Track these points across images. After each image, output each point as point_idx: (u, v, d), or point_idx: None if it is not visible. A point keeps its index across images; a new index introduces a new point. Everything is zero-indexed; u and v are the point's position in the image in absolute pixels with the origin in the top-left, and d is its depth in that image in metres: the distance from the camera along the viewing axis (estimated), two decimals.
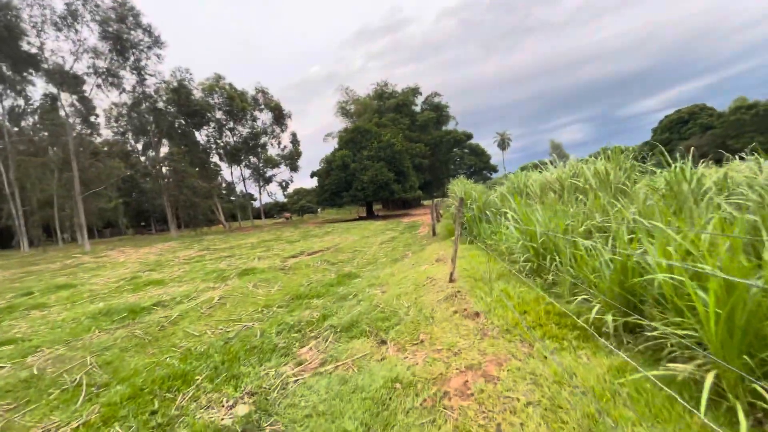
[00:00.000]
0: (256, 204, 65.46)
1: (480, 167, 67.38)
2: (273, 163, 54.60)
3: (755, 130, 43.18)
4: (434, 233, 14.62)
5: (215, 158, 50.41)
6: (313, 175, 45.87)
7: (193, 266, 12.08)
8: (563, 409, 2.15)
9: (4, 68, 29.21)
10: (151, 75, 35.75)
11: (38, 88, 50.70)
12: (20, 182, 32.05)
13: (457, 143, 60.38)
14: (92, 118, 37.06)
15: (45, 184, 33.31)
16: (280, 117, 51.56)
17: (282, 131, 52.83)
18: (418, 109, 59.58)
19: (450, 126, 62.53)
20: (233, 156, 50.20)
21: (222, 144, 49.14)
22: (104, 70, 31.42)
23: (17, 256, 26.72)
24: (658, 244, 2.74)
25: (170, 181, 40.42)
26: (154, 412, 3.34)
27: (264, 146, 52.56)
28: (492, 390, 2.44)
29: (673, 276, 2.40)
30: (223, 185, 53.79)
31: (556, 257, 4.33)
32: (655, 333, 2.45)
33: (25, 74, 30.74)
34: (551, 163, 9.40)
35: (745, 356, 2.01)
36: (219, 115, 46.92)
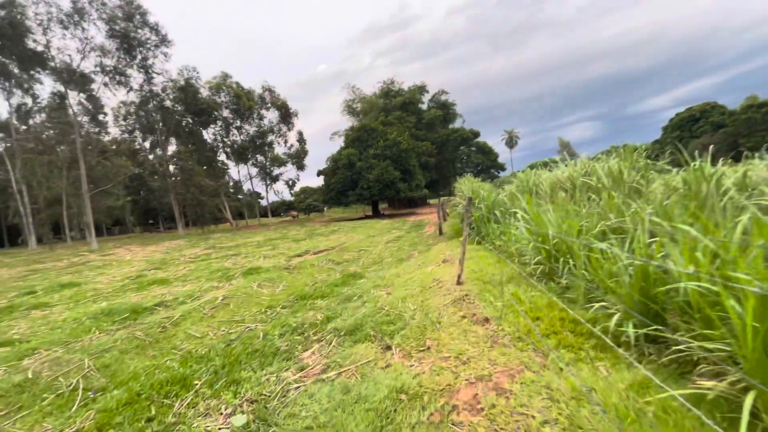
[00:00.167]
0: (263, 202, 65.61)
1: (487, 165, 66.95)
2: (280, 162, 54.59)
3: (766, 129, 42.45)
4: (441, 233, 14.44)
5: (222, 157, 50.55)
6: (319, 173, 45.78)
7: (199, 265, 12.00)
8: (583, 430, 1.98)
9: (11, 66, 29.38)
10: (158, 74, 35.87)
11: (46, 86, 51.29)
12: (27, 180, 32.26)
13: (464, 141, 59.95)
14: (100, 117, 37.35)
15: (52, 182, 33.48)
16: (286, 115, 51.50)
17: (289, 130, 52.79)
18: (424, 107, 59.27)
19: (457, 124, 62.15)
20: (240, 154, 50.23)
21: (229, 142, 49.19)
22: (111, 68, 31.51)
23: (25, 254, 26.90)
24: (684, 249, 2.55)
25: (177, 179, 40.56)
26: (150, 419, 3.21)
27: (271, 145, 52.55)
28: (504, 405, 2.27)
29: (702, 285, 2.21)
30: (231, 184, 53.93)
31: (570, 260, 4.14)
32: (681, 346, 2.27)
33: (32, 72, 30.92)
34: (562, 161, 9.19)
35: None
36: (226, 113, 46.94)
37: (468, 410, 2.32)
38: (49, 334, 5.73)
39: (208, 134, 47.16)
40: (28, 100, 34.52)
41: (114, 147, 39.94)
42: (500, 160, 69.49)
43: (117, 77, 32.31)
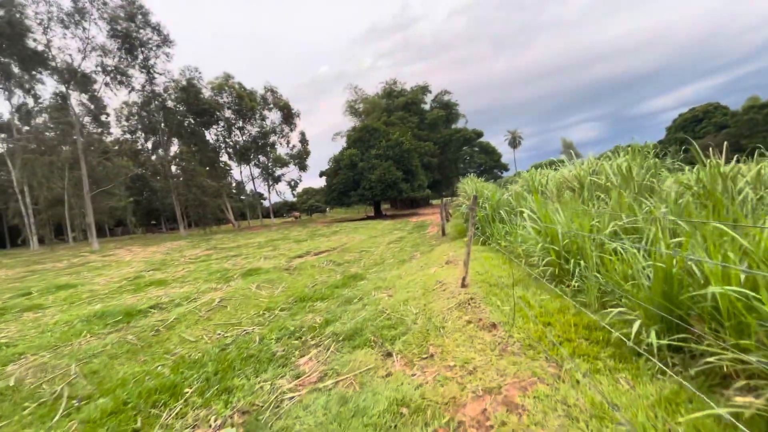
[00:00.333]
0: (266, 203, 65.51)
1: (490, 166, 66.67)
2: (282, 163, 54.48)
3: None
4: (443, 233, 14.21)
5: (224, 157, 50.47)
6: (321, 174, 45.62)
7: (198, 266, 11.82)
8: None
9: (11, 66, 29.30)
10: (160, 74, 35.80)
11: (48, 86, 51.34)
12: (27, 181, 32.17)
13: (466, 141, 59.71)
14: (102, 117, 37.29)
15: (52, 183, 33.38)
16: (288, 116, 51.39)
17: (291, 130, 52.66)
18: (427, 107, 59.03)
19: (460, 124, 61.90)
20: (242, 155, 50.14)
21: (231, 143, 49.11)
22: (113, 68, 31.43)
23: (25, 255, 26.81)
24: (711, 246, 2.34)
25: (179, 180, 40.45)
26: (136, 431, 3.02)
27: (273, 145, 52.45)
28: (516, 423, 2.05)
29: (737, 289, 2.00)
30: (233, 184, 53.83)
31: (581, 261, 3.92)
32: (712, 358, 2.05)
33: (33, 72, 30.83)
34: (569, 160, 8.97)
35: None
36: (228, 114, 46.87)
37: (476, 428, 2.10)
38: (38, 338, 5.54)
39: (210, 135, 47.12)
40: (30, 101, 34.51)
41: (116, 147, 39.88)
42: (503, 160, 69.27)
43: (118, 77, 32.22)
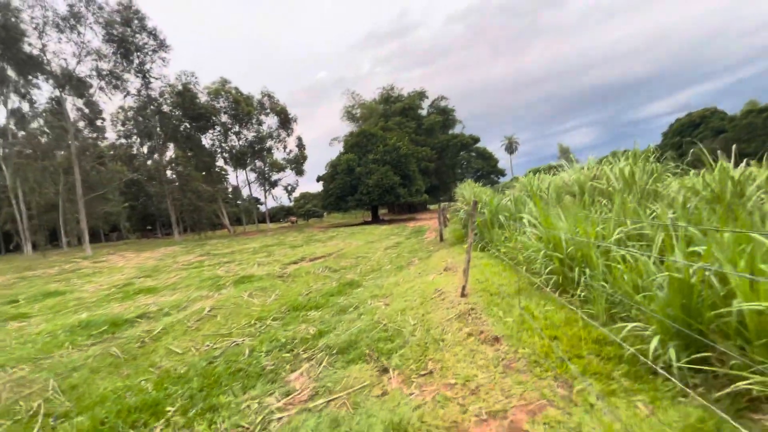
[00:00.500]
0: (262, 208, 65.16)
1: (487, 171, 66.57)
2: (278, 167, 54.23)
3: (767, 134, 42.10)
4: (441, 239, 14.01)
5: (220, 162, 50.19)
6: (319, 179, 45.41)
7: (190, 272, 11.56)
8: None
9: (7, 71, 29.02)
10: (156, 78, 35.58)
11: (44, 91, 51.05)
12: (19, 186, 31.78)
13: (463, 147, 59.63)
14: (98, 122, 36.96)
15: (45, 188, 33.00)
16: (285, 121, 51.21)
17: (288, 135, 52.46)
18: (424, 112, 59.03)
19: (457, 130, 61.91)
20: (239, 160, 49.86)
21: (227, 148, 48.86)
22: (107, 72, 31.19)
23: (18, 261, 26.43)
24: (735, 258, 2.14)
25: (174, 185, 40.15)
26: None
27: (270, 150, 52.22)
28: None
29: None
30: (229, 189, 53.53)
31: (586, 270, 3.73)
32: (743, 383, 1.84)
33: (30, 77, 30.55)
34: (568, 164, 8.81)
35: None
36: (224, 118, 46.63)
37: None
38: (18, 349, 5.29)
39: (206, 139, 46.85)
40: (25, 106, 34.19)
41: (111, 152, 39.58)
42: (500, 165, 69.19)
43: (113, 81, 31.96)
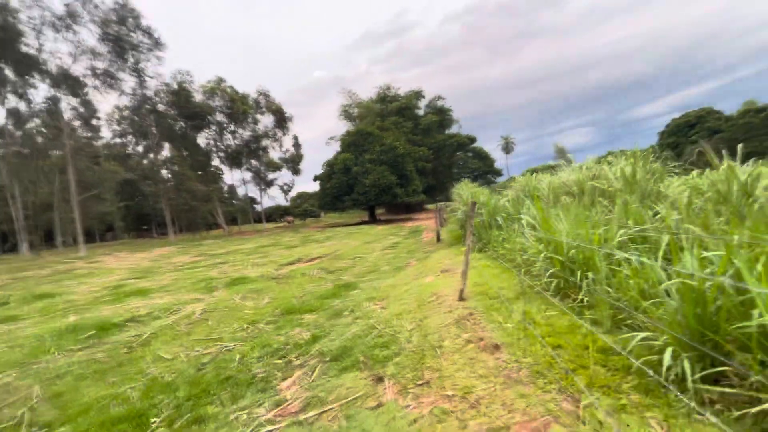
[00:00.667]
0: (258, 208, 64.93)
1: (484, 171, 66.52)
2: (275, 167, 54.02)
3: (765, 134, 42.12)
4: (439, 239, 13.89)
5: (216, 161, 49.95)
6: (315, 178, 45.22)
7: (184, 274, 11.39)
8: None
9: (5, 71, 28.69)
10: (151, 77, 35.33)
11: (41, 91, 50.58)
12: (14, 185, 31.43)
13: (460, 147, 59.59)
14: (93, 121, 36.63)
15: (39, 188, 32.67)
16: (282, 120, 51.03)
17: (284, 134, 52.31)
18: (421, 112, 58.90)
19: (453, 130, 61.81)
20: (234, 159, 49.64)
21: (223, 147, 48.62)
22: (102, 71, 30.90)
23: (14, 261, 26.11)
24: (748, 262, 2.01)
25: (169, 184, 39.88)
26: None
27: (265, 149, 52.02)
28: None
29: None
30: (225, 189, 53.26)
31: (589, 274, 3.59)
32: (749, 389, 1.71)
33: (27, 77, 30.19)
34: (566, 164, 8.70)
35: None
36: (220, 117, 46.42)
37: None
38: (6, 354, 5.13)
39: (201, 138, 46.62)
40: (22, 105, 33.79)
41: (106, 152, 39.26)
42: (497, 165, 69.20)
43: (108, 80, 31.66)
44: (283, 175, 55.27)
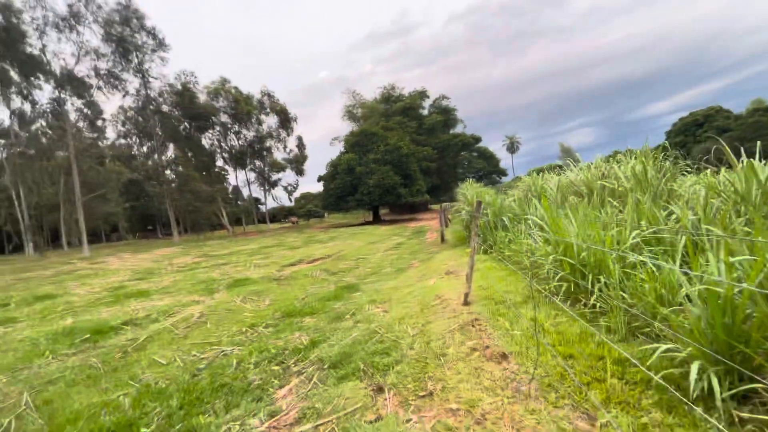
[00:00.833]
0: (263, 208, 64.95)
1: (489, 171, 66.11)
2: (279, 167, 53.97)
3: None
4: (443, 240, 13.70)
5: (220, 162, 49.97)
6: (319, 179, 45.11)
7: (185, 275, 11.27)
8: None
9: (10, 72, 28.78)
10: (155, 78, 35.38)
11: (45, 92, 50.87)
12: (17, 186, 31.54)
13: (465, 146, 59.24)
14: (98, 122, 36.72)
15: (44, 188, 32.77)
16: (285, 120, 50.94)
17: (288, 135, 52.20)
18: (425, 112, 58.69)
19: (458, 129, 61.49)
20: (238, 159, 49.63)
21: (227, 147, 48.64)
22: (106, 72, 30.93)
23: (20, 261, 26.17)
24: None
25: (174, 185, 39.92)
26: None
27: (269, 150, 51.97)
28: None
29: None
30: (229, 189, 53.27)
31: (601, 278, 3.41)
32: None
33: (31, 78, 30.29)
34: (573, 164, 8.48)
35: None
36: (224, 118, 46.40)
37: None
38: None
39: (205, 139, 46.64)
40: (27, 106, 33.92)
41: (111, 153, 39.36)
42: (501, 165, 68.76)
43: (111, 81, 31.69)
44: (288, 176, 55.09)
